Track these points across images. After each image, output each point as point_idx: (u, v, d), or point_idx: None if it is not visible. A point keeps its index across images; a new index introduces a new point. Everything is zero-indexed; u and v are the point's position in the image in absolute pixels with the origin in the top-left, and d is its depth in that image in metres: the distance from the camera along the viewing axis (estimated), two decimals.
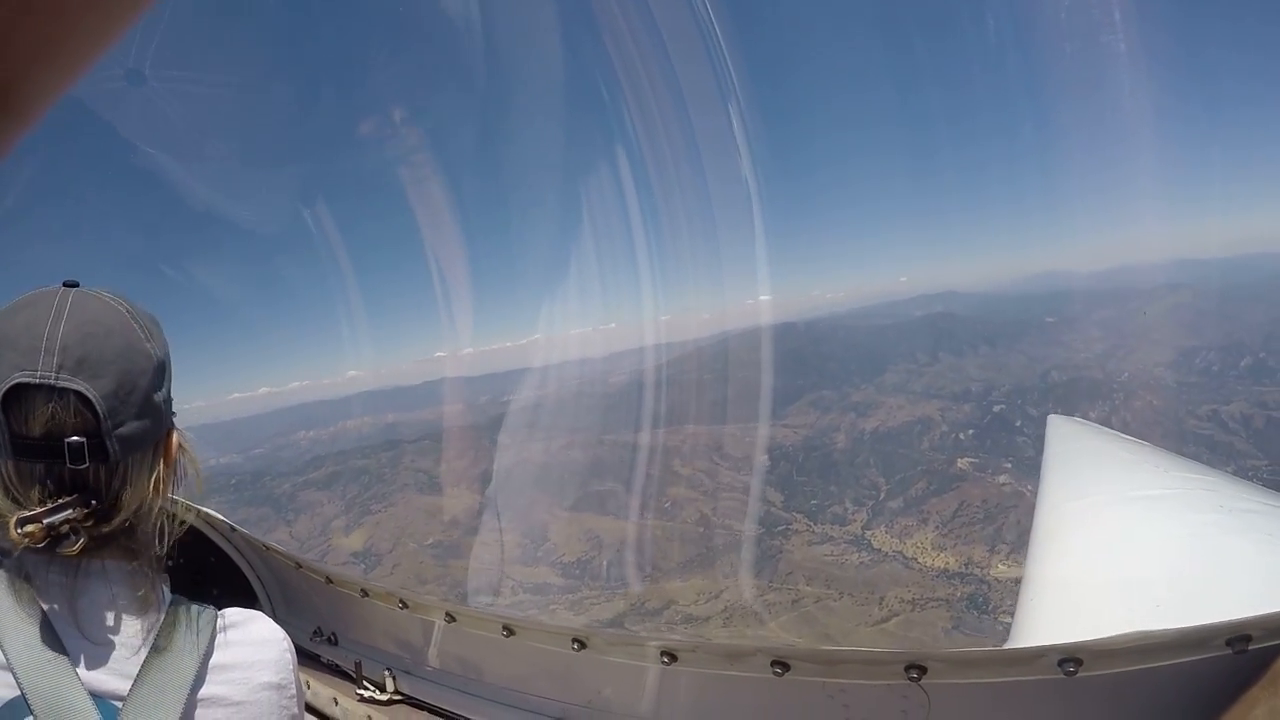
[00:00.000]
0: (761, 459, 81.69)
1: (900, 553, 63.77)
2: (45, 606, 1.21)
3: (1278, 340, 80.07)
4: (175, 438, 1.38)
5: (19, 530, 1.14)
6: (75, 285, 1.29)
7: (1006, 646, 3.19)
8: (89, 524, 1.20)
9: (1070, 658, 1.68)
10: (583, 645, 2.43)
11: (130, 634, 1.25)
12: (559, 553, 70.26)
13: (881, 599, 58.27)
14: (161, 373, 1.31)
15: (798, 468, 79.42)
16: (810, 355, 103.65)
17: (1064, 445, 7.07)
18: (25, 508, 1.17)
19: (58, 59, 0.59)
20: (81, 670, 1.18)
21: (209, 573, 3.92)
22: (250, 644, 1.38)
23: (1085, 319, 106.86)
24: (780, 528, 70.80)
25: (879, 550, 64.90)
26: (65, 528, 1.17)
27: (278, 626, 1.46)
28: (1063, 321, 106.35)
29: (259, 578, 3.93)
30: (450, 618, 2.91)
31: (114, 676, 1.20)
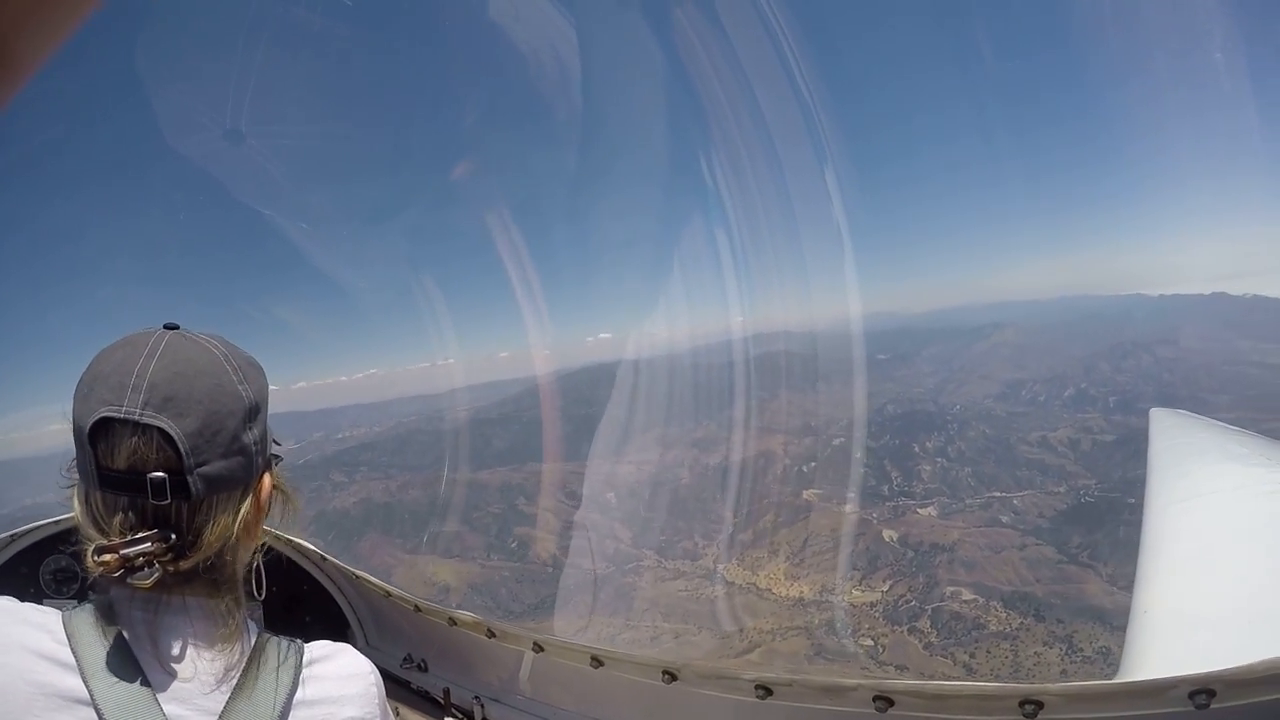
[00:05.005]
0: (608, 496, 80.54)
1: (754, 584, 63.76)
2: (130, 641, 1.22)
3: (1096, 372, 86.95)
4: (269, 479, 1.41)
5: (96, 559, 1.17)
6: (175, 327, 1.33)
7: (1122, 677, 3.07)
8: (166, 559, 1.22)
9: (1203, 689, 1.55)
10: (673, 677, 2.36)
11: (214, 670, 1.26)
12: None
13: (741, 630, 57.94)
14: (254, 415, 1.33)
15: (644, 504, 78.82)
16: (652, 392, 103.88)
17: (1169, 440, 6.49)
18: (108, 537, 1.21)
19: (53, 12, 0.60)
20: (165, 706, 1.19)
21: (302, 600, 3.98)
22: (335, 679, 1.39)
23: (916, 356, 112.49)
24: (631, 565, 69.87)
25: (733, 583, 64.73)
26: (140, 560, 1.18)
27: (365, 659, 1.47)
28: (895, 358, 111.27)
29: (350, 605, 4.05)
30: (538, 648, 2.88)
31: (197, 713, 1.22)
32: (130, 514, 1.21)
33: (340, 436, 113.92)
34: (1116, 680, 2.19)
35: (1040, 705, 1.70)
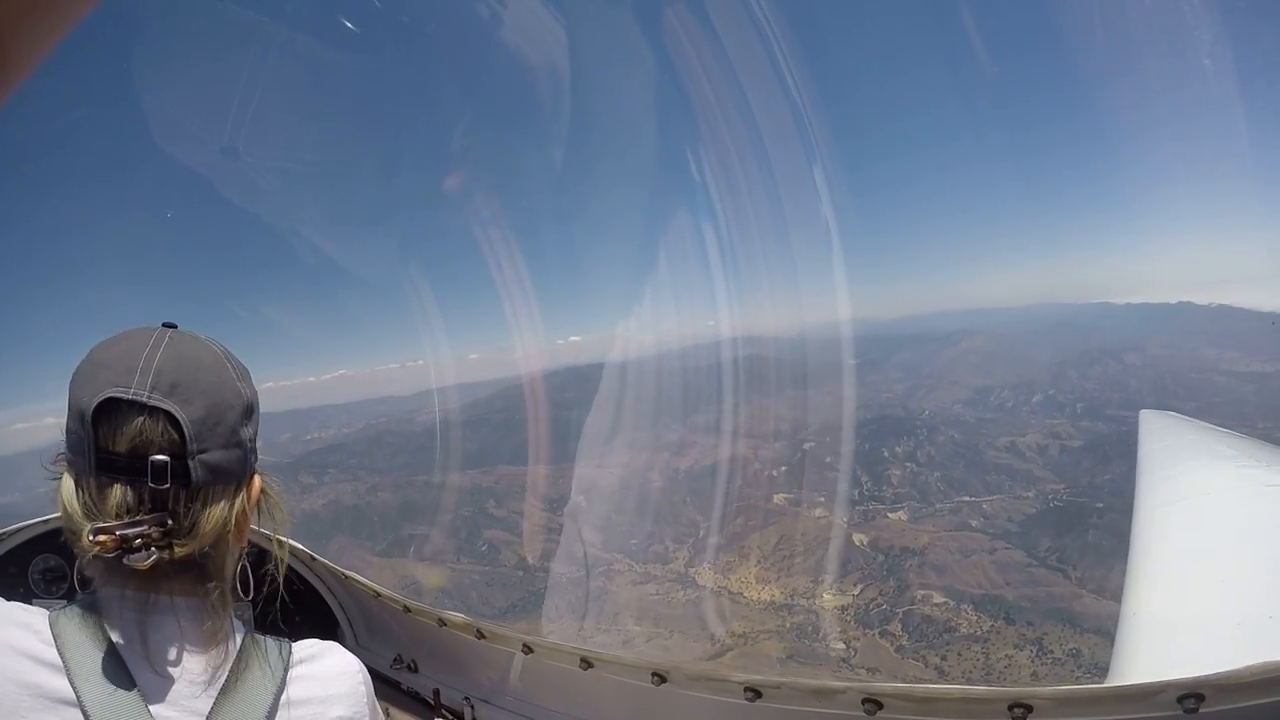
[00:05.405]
0: (578, 499, 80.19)
1: (725, 588, 63.73)
2: (117, 641, 1.21)
3: (1064, 379, 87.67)
4: (258, 480, 1.42)
5: (92, 538, 1.15)
6: (173, 326, 1.35)
7: (1111, 681, 3.05)
8: (163, 544, 1.21)
9: (1191, 693, 1.55)
10: (662, 679, 2.37)
11: (201, 670, 1.25)
12: None
13: (712, 634, 57.76)
14: (250, 413, 1.35)
15: (615, 508, 78.55)
16: (622, 396, 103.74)
17: (1159, 442, 6.49)
18: (100, 521, 1.19)
19: (48, 13, 0.60)
20: (152, 707, 1.18)
21: (292, 601, 3.66)
22: (323, 678, 1.39)
23: (886, 361, 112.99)
24: (602, 569, 69.54)
25: (704, 586, 64.69)
26: (138, 541, 1.17)
27: (353, 658, 1.47)
28: (865, 364, 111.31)
29: (341, 605, 4.04)
30: (528, 649, 2.87)
31: (185, 714, 1.21)
32: (128, 497, 1.20)
33: (309, 438, 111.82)
34: (1105, 684, 2.10)
35: (1029, 709, 1.69)
